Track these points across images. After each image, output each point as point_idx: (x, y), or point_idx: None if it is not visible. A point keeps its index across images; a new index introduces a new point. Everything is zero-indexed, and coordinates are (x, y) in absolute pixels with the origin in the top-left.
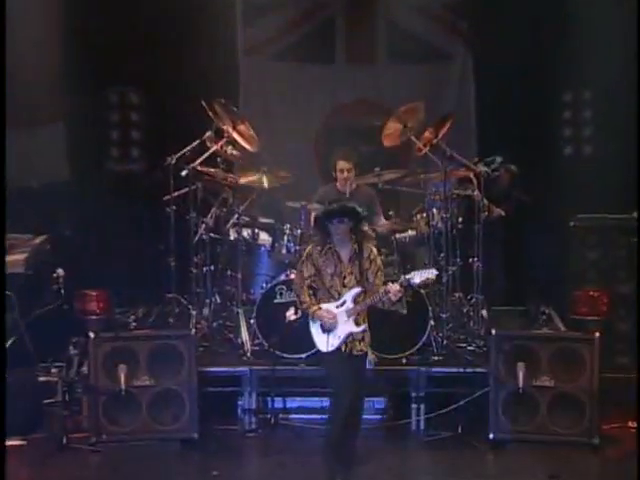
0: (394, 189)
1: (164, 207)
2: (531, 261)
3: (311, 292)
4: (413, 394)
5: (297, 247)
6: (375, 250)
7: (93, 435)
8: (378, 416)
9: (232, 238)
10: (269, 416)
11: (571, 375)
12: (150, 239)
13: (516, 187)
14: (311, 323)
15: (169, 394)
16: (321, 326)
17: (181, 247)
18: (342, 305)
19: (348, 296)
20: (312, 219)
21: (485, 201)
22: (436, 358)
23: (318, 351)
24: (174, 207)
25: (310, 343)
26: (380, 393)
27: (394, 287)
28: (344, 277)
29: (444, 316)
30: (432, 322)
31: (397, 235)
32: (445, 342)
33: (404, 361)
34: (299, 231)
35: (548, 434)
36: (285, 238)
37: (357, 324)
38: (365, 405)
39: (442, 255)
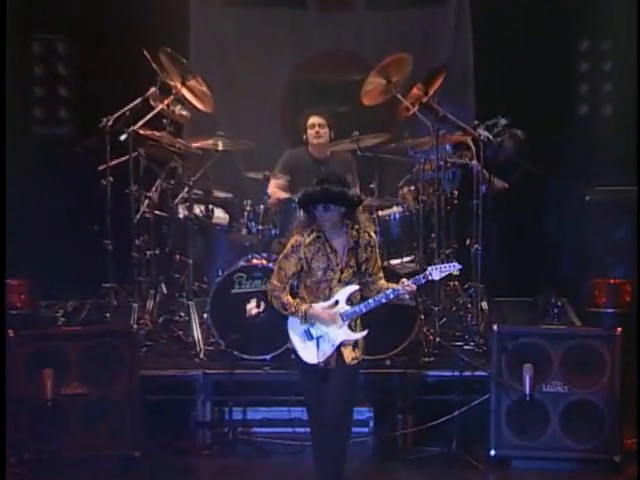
0: (376, 157)
1: (99, 179)
2: (540, 243)
3: (287, 287)
4: (399, 402)
5: (260, 227)
6: (375, 236)
7: (13, 454)
8: (359, 429)
9: (181, 216)
10: (227, 430)
11: (588, 379)
12: (83, 217)
13: (522, 155)
14: (291, 330)
15: (106, 404)
16: (307, 332)
17: (120, 227)
18: (334, 306)
19: (341, 295)
20: (272, 194)
21: (485, 172)
22: (426, 359)
23: (286, 351)
24: (111, 179)
25: (276, 342)
26: (360, 402)
27: (409, 287)
28: (341, 271)
29: (436, 309)
30: (421, 316)
31: (380, 212)
32: (437, 340)
33: (388, 363)
34: (262, 207)
35: (561, 450)
36: (245, 216)
37: (353, 330)
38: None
39: (433, 236)
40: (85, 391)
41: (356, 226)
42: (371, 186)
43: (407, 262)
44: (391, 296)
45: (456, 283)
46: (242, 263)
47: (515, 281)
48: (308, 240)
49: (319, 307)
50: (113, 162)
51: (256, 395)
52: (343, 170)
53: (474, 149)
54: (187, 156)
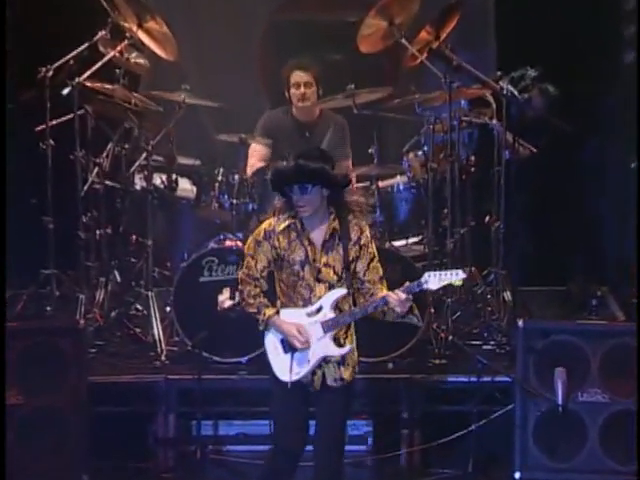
0: (375, 116)
1: (37, 142)
2: (575, 220)
3: (258, 290)
4: (404, 414)
5: (234, 201)
6: (368, 231)
7: None
8: (355, 446)
9: (138, 187)
10: (194, 448)
11: (633, 386)
12: (17, 189)
13: (554, 113)
14: (267, 334)
15: (47, 416)
16: (283, 341)
17: (63, 201)
18: (316, 313)
19: (326, 300)
20: (251, 165)
21: (509, 133)
22: (437, 362)
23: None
24: (52, 142)
25: (254, 341)
26: (357, 413)
27: (395, 296)
28: (318, 270)
29: (449, 300)
30: (431, 309)
31: (380, 183)
32: (450, 338)
33: (390, 366)
34: (237, 177)
35: (600, 473)
36: (217, 188)
37: (338, 343)
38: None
39: (446, 211)
40: (21, 401)
41: (344, 215)
42: (370, 151)
43: (414, 244)
44: (377, 306)
45: (473, 269)
46: (213, 245)
47: (544, 266)
48: (282, 226)
49: (291, 315)
50: (54, 122)
51: (230, 406)
52: (334, 136)
53: (495, 106)
54: (145, 114)
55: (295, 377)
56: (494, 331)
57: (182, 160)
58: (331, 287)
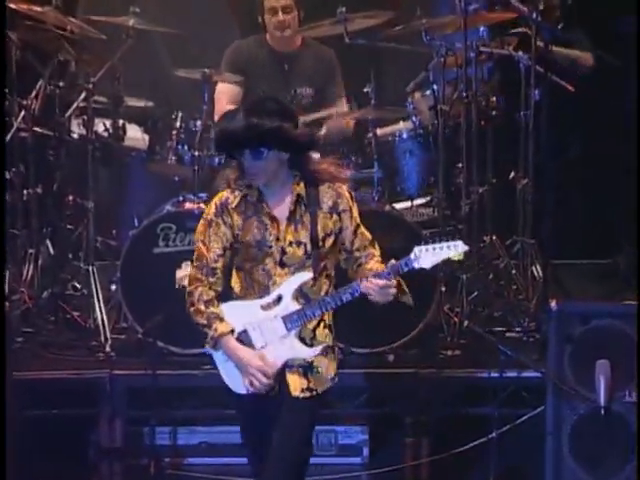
0: (372, 47)
1: None
2: (621, 178)
3: (213, 294)
4: (407, 418)
5: (196, 153)
6: (348, 195)
7: None
8: (347, 458)
9: (76, 136)
10: (146, 461)
11: None
12: None
13: (596, 42)
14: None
15: None
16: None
17: None
18: (274, 305)
19: (286, 288)
20: (219, 110)
21: (539, 68)
22: (449, 353)
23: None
24: None
25: None
26: (349, 417)
27: (369, 283)
28: (282, 251)
29: (464, 277)
30: (442, 288)
31: (378, 131)
32: (466, 324)
33: (391, 358)
34: (199, 123)
35: None
36: (174, 136)
37: (306, 342)
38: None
39: (460, 166)
40: None
41: (309, 177)
42: (365, 91)
43: (420, 206)
44: (353, 293)
45: (494, 237)
46: (169, 208)
47: (584, 235)
48: (237, 200)
49: (239, 309)
50: None
51: (191, 408)
52: (319, 72)
53: (522, 33)
54: (84, 44)
55: (252, 389)
56: (520, 315)
57: (131, 102)
58: (298, 271)
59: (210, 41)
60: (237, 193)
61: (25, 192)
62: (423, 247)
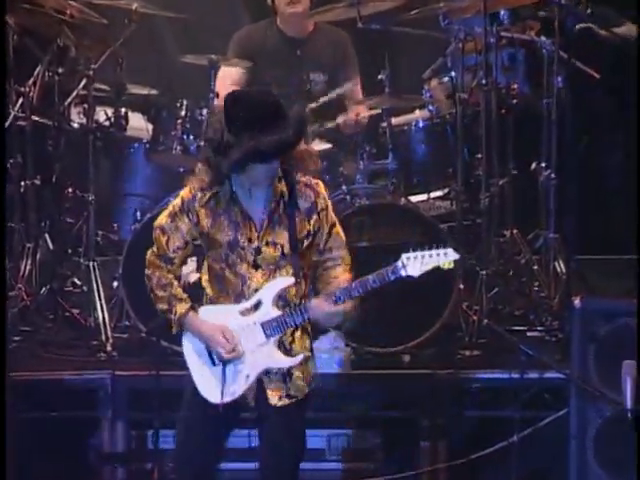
0: (387, 32)
1: None
2: None
3: (171, 277)
4: (424, 422)
5: (200, 142)
6: (325, 193)
7: None
8: (360, 463)
9: (76, 125)
10: (150, 466)
11: None
12: None
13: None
14: (186, 341)
15: None
16: (208, 349)
17: None
18: (253, 310)
19: (266, 293)
20: (221, 89)
21: (563, 54)
22: (468, 353)
23: None
24: None
25: None
26: (363, 420)
27: (318, 304)
28: (257, 250)
29: (483, 273)
30: (460, 285)
31: (393, 120)
32: (485, 322)
33: (406, 359)
34: (205, 112)
35: None
36: (179, 126)
37: (286, 351)
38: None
39: (480, 157)
40: None
41: (289, 176)
42: (380, 78)
43: (437, 199)
44: (340, 294)
45: (515, 232)
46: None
47: (610, 229)
48: (206, 197)
49: (218, 314)
50: None
51: None
52: (333, 57)
53: (545, 17)
54: (85, 29)
55: (228, 398)
56: (542, 313)
57: (133, 89)
58: (273, 273)
59: (217, 26)
60: (207, 191)
61: (23, 184)
62: (411, 254)
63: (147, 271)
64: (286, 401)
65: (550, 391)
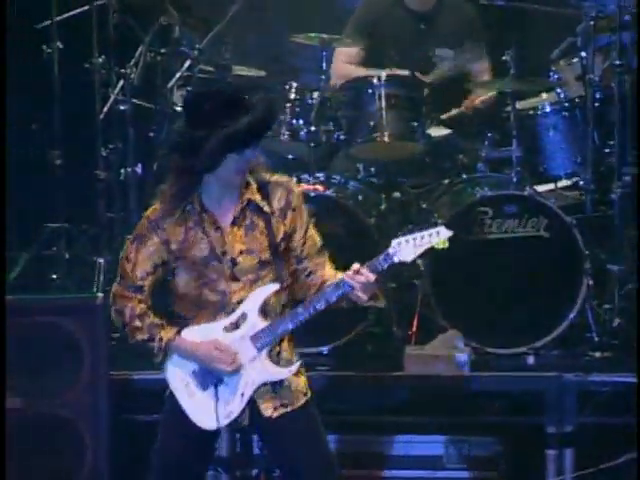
0: (513, 8)
1: (39, 44)
2: None
3: (144, 307)
4: (549, 428)
5: (312, 128)
6: (297, 190)
7: None
8: (479, 472)
9: (179, 109)
10: (255, 472)
11: None
12: (12, 111)
13: None
14: (171, 371)
15: (53, 426)
16: (195, 374)
17: (75, 127)
18: (238, 325)
19: (250, 304)
20: (336, 71)
21: None
22: (598, 355)
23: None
24: (59, 45)
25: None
26: (482, 427)
27: (362, 277)
28: (232, 262)
29: (615, 269)
30: (589, 281)
31: (518, 104)
32: (618, 322)
33: (530, 361)
34: (317, 95)
35: None
36: (288, 110)
37: (278, 361)
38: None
39: (612, 144)
40: (20, 405)
41: (258, 175)
42: (504, 59)
43: (565, 188)
44: (334, 296)
45: None
46: None
47: None
48: (175, 214)
49: (199, 334)
50: (62, 16)
51: None
52: (459, 32)
53: None
54: (189, 6)
55: (226, 420)
56: None
57: (240, 71)
58: (254, 283)
59: (330, 2)
60: (175, 208)
61: (122, 171)
62: (402, 238)
63: (115, 306)
64: (281, 411)
65: None
